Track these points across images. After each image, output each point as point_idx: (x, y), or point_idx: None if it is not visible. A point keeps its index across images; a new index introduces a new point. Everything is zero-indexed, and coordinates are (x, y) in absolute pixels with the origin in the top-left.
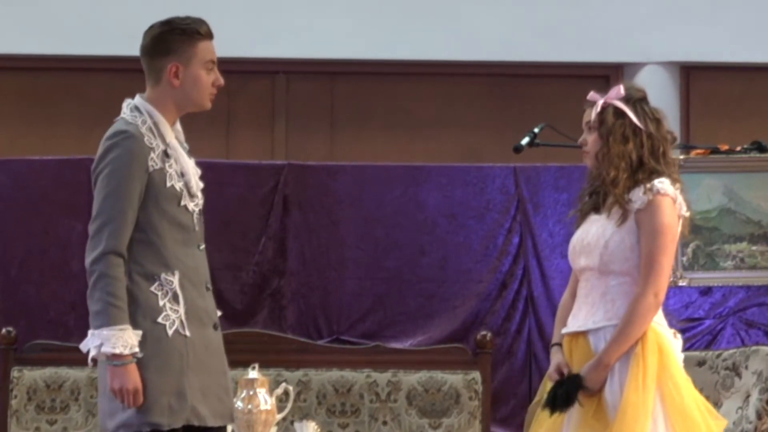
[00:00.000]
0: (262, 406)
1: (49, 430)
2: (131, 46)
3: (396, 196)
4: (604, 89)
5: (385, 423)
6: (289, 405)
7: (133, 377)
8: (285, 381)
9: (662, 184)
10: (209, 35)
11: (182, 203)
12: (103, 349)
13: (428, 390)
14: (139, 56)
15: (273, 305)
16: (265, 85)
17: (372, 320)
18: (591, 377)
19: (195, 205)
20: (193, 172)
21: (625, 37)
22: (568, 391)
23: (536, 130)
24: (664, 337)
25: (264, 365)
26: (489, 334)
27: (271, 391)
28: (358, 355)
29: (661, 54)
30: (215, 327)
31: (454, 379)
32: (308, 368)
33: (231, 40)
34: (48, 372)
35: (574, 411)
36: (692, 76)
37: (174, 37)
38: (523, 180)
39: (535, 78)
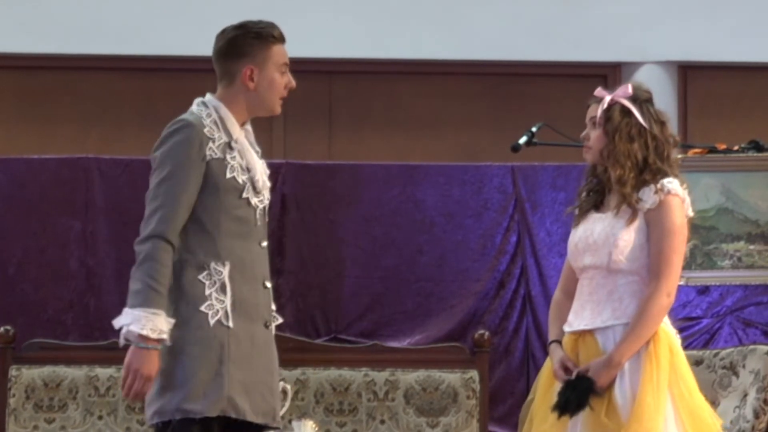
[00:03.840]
0: None
1: (47, 429)
2: (129, 45)
3: (394, 195)
4: (599, 91)
5: (382, 422)
6: (287, 404)
7: (151, 364)
8: (283, 380)
9: (672, 184)
10: (282, 39)
11: (244, 196)
12: (132, 327)
13: (426, 389)
14: (136, 56)
15: None
16: None
17: (370, 319)
18: (601, 375)
19: (259, 201)
20: (261, 170)
21: (622, 36)
22: (579, 396)
23: (534, 129)
24: (673, 338)
25: None
26: (486, 333)
27: None
28: (355, 354)
29: (658, 53)
30: (266, 325)
31: (451, 377)
32: (306, 367)
33: None
34: (46, 371)
35: (583, 411)
36: (690, 76)
37: (248, 41)
38: (520, 179)
39: (532, 77)
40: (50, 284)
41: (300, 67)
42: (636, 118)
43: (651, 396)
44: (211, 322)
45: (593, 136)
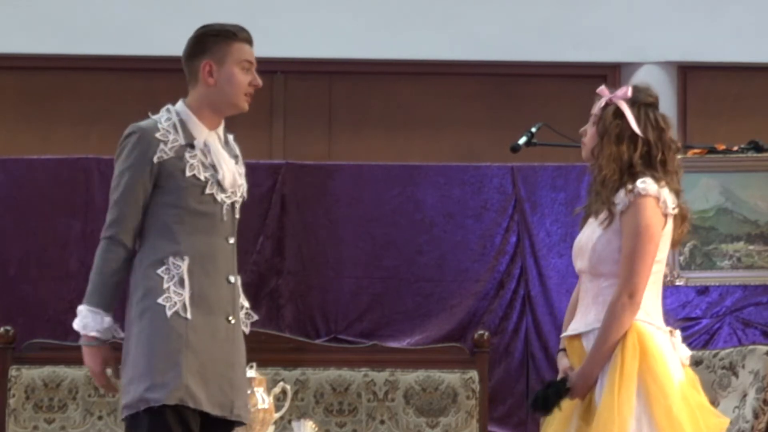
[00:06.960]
0: (260, 405)
1: (47, 429)
2: (129, 46)
3: (394, 195)
4: (601, 89)
5: (382, 422)
6: (287, 404)
7: (95, 360)
8: (283, 380)
9: (644, 184)
10: (246, 39)
11: (207, 192)
12: (74, 323)
13: (426, 389)
14: (136, 56)
15: (271, 304)
16: (263, 84)
17: (369, 319)
18: (576, 387)
19: (227, 197)
20: (232, 171)
21: (622, 36)
22: (546, 397)
23: (533, 129)
24: (649, 337)
25: (262, 364)
26: (486, 334)
27: (268, 390)
28: (355, 355)
29: (658, 54)
30: (229, 319)
31: (451, 378)
32: (306, 367)
33: None
34: (46, 371)
35: (575, 414)
36: (689, 76)
37: (209, 38)
38: (520, 179)
39: (532, 78)
40: (50, 284)
41: (300, 67)
42: (627, 121)
43: (611, 397)
44: (169, 313)
45: (589, 132)
